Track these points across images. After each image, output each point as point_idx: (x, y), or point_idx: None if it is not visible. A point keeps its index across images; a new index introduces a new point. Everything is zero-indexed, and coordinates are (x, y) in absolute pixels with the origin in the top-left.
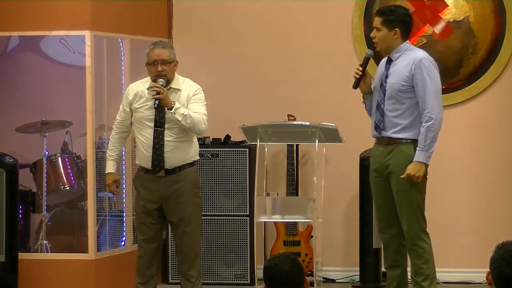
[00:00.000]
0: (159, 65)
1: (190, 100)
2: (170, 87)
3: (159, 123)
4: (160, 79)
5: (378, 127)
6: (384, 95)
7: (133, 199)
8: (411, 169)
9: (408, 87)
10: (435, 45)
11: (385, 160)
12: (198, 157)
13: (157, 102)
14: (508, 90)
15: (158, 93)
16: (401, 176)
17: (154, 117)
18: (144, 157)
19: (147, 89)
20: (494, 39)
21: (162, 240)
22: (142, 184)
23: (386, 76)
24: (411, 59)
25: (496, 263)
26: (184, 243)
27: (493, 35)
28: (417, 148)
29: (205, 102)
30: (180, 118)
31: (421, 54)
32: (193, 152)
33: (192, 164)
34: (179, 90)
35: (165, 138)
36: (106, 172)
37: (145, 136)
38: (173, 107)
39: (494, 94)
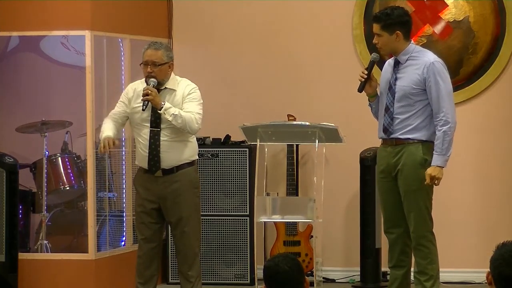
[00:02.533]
0: (149, 66)
1: (185, 99)
2: (165, 87)
3: (155, 123)
4: (152, 79)
5: (387, 130)
6: (394, 98)
7: (133, 199)
8: (431, 170)
9: (420, 90)
10: (435, 45)
11: (393, 161)
12: (197, 157)
13: (146, 103)
14: (508, 90)
15: (147, 94)
16: (426, 183)
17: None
18: (142, 158)
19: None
20: (494, 39)
21: (162, 240)
22: (141, 184)
23: (396, 79)
24: (423, 62)
25: (496, 263)
26: (183, 243)
27: (493, 35)
28: (434, 152)
29: (201, 101)
30: (170, 118)
31: (432, 57)
32: (190, 152)
33: (190, 163)
34: (174, 90)
35: (161, 138)
36: (104, 135)
37: (142, 136)
38: (162, 107)
39: (494, 94)
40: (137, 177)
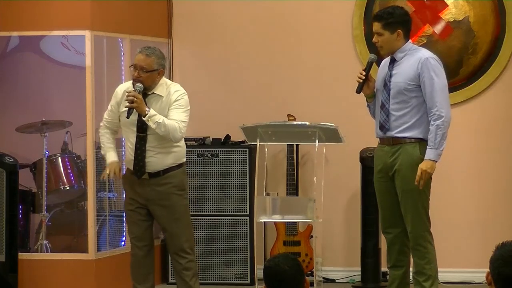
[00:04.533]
0: (137, 70)
1: (171, 105)
2: (153, 93)
3: (142, 128)
4: (138, 84)
5: (383, 127)
6: (389, 94)
7: None
8: (424, 165)
9: (414, 86)
10: (435, 45)
11: (390, 160)
12: (185, 159)
13: (130, 111)
14: (508, 90)
15: (131, 101)
16: (416, 181)
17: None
18: (129, 160)
19: (127, 93)
20: (494, 39)
21: (160, 240)
22: (129, 185)
23: (390, 76)
24: (417, 58)
25: (496, 263)
26: (175, 245)
27: (493, 35)
28: (427, 147)
29: (188, 108)
30: (154, 126)
31: (426, 53)
32: (177, 157)
33: (178, 166)
34: (162, 96)
35: (148, 144)
36: (110, 161)
37: (130, 140)
38: (147, 114)
39: (494, 94)
40: (125, 177)
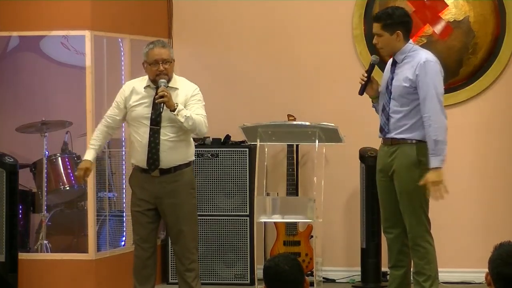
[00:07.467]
0: (161, 64)
1: (189, 100)
2: (168, 86)
3: (155, 121)
4: (162, 79)
5: (383, 130)
6: (390, 97)
7: None
8: (430, 177)
9: (413, 89)
10: (435, 45)
11: (389, 160)
12: (194, 158)
13: (162, 105)
14: (508, 90)
15: (162, 96)
16: (420, 183)
17: (150, 115)
18: (140, 157)
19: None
20: (494, 39)
21: (160, 240)
22: (137, 184)
23: (392, 79)
24: (416, 61)
25: (495, 263)
26: (181, 244)
27: (493, 35)
28: (430, 155)
29: (204, 103)
30: (182, 120)
31: (424, 56)
32: (189, 152)
33: (188, 164)
34: (176, 89)
35: (161, 137)
36: (84, 158)
37: (140, 135)
38: (175, 108)
39: (494, 94)
40: (132, 177)
